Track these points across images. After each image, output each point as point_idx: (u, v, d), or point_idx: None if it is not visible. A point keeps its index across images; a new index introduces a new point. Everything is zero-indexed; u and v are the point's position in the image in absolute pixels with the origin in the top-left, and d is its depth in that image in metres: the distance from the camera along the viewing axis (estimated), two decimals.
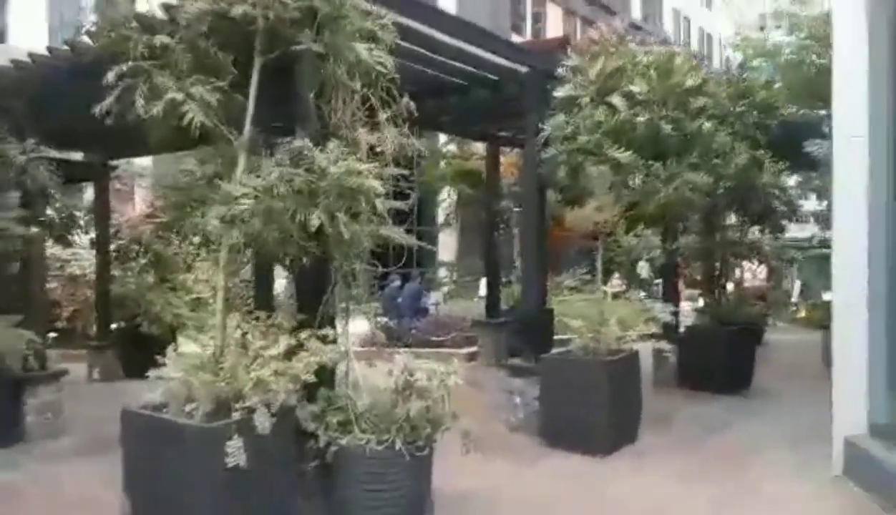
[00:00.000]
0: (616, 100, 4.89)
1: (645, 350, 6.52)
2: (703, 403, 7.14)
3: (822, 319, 11.86)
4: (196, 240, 3.90)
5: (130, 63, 3.58)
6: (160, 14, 3.85)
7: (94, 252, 9.20)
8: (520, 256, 13.10)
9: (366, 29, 3.60)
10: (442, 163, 14.95)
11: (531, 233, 6.23)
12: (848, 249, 4.84)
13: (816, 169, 8.77)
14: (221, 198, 3.29)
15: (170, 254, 9.86)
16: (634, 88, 4.91)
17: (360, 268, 3.88)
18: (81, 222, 7.58)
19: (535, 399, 5.79)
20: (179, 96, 3.50)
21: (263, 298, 4.63)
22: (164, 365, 3.57)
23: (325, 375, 3.79)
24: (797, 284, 16.86)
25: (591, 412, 5.29)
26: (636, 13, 28.57)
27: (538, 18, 24.61)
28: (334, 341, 3.81)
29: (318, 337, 3.64)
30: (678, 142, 5.09)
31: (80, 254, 10.52)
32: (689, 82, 5.08)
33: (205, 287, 9.80)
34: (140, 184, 13.51)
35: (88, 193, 9.45)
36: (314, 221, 3.28)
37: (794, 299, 16.26)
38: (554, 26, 24.38)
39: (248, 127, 3.64)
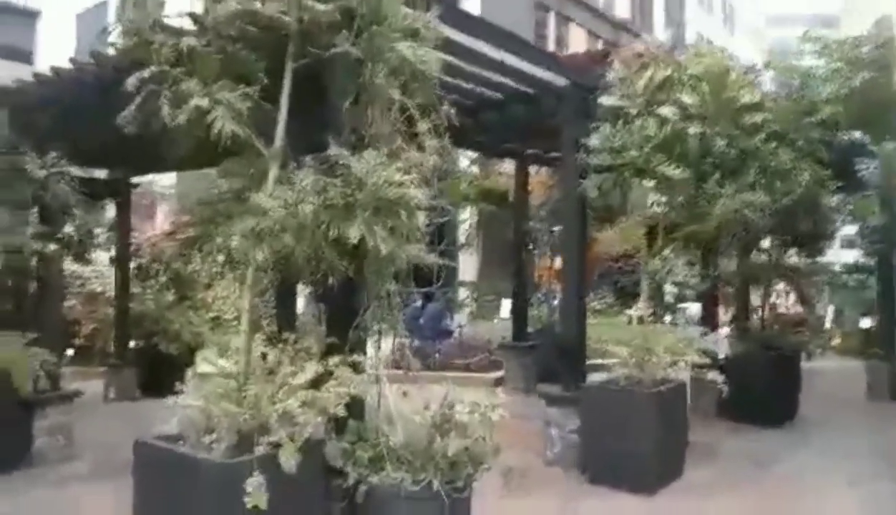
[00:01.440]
0: (666, 110, 4.59)
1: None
2: (747, 435, 6.74)
3: (858, 347, 11.37)
4: (220, 258, 3.63)
5: (154, 68, 3.36)
6: (187, 23, 3.64)
7: (114, 269, 9.06)
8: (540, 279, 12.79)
9: (409, 28, 3.34)
10: (464, 184, 14.71)
11: (571, 252, 5.90)
12: None
13: (854, 193, 8.40)
14: (250, 211, 3.03)
15: (190, 273, 9.70)
16: (686, 99, 4.63)
17: (395, 289, 3.58)
18: (100, 240, 7.43)
19: (573, 431, 5.42)
20: (205, 103, 3.27)
21: (287, 320, 4.36)
22: (182, 391, 3.30)
23: (355, 406, 3.49)
24: (830, 310, 16.31)
25: (638, 445, 4.92)
26: (660, 36, 28.36)
27: (560, 40, 24.46)
28: (364, 370, 3.51)
29: (349, 364, 3.34)
30: (733, 159, 4.79)
31: (100, 272, 10.39)
32: (746, 98, 4.78)
33: (225, 305, 9.62)
34: (162, 202, 13.45)
35: (110, 211, 9.33)
36: (353, 234, 3.00)
37: (827, 325, 15.71)
38: (577, 48, 24.21)
39: (279, 135, 3.39)
